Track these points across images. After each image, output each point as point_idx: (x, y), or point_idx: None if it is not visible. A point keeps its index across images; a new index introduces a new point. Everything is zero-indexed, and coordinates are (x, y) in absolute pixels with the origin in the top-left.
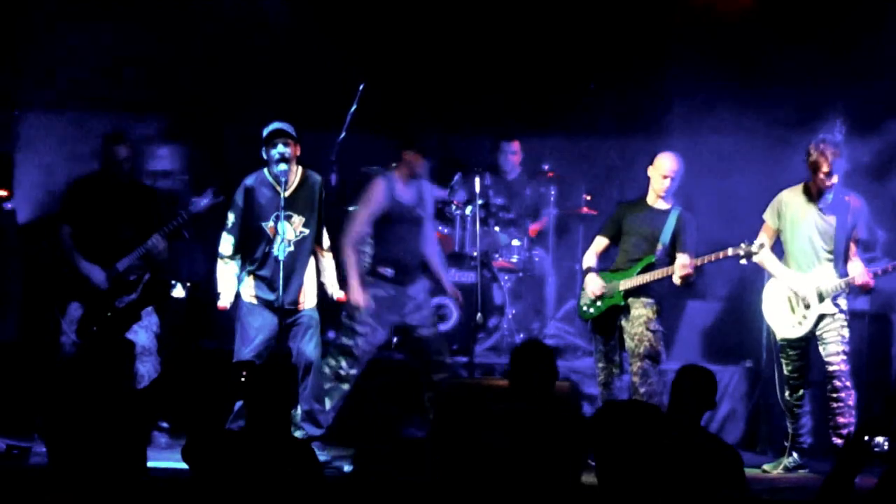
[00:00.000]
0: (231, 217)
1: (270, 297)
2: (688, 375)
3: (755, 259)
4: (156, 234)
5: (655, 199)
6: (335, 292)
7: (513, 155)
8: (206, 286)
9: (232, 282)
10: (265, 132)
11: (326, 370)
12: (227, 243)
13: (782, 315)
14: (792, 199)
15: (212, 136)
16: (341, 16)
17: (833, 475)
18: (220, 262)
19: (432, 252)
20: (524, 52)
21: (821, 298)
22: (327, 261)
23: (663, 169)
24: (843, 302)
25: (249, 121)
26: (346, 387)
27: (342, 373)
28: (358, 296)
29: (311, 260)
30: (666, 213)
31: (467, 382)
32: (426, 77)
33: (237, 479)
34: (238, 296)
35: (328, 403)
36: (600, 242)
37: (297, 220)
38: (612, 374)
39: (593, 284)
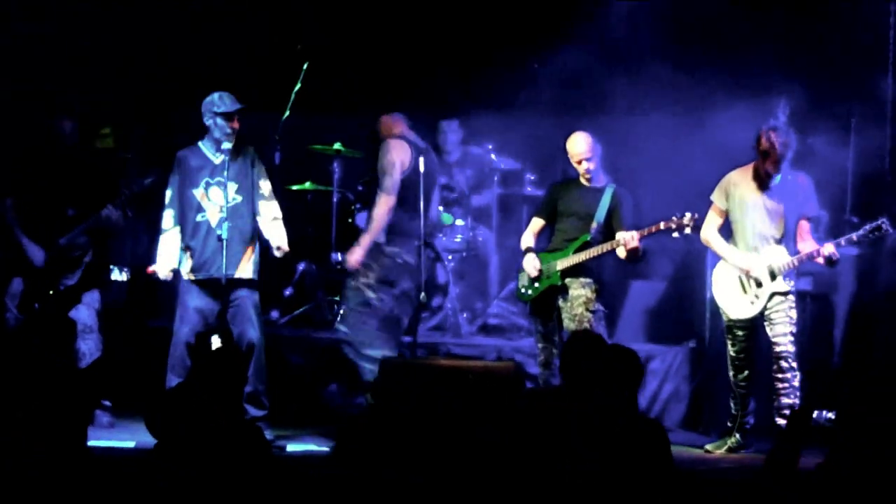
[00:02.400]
0: (168, 192)
1: (206, 269)
2: (614, 357)
3: (702, 239)
4: (109, 205)
5: (588, 179)
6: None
7: (453, 134)
8: (147, 265)
9: (171, 252)
10: (227, 108)
11: None
12: (167, 217)
13: (733, 296)
14: (740, 180)
15: (155, 114)
16: None
17: (777, 449)
18: (161, 237)
19: None
20: (465, 29)
21: (773, 276)
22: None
23: (574, 155)
24: (791, 282)
25: (193, 99)
26: None
27: None
28: None
29: (249, 233)
30: (600, 190)
31: (410, 362)
32: (368, 56)
33: (188, 456)
34: (178, 274)
35: None
36: (536, 223)
37: (232, 186)
38: (552, 355)
39: (530, 264)
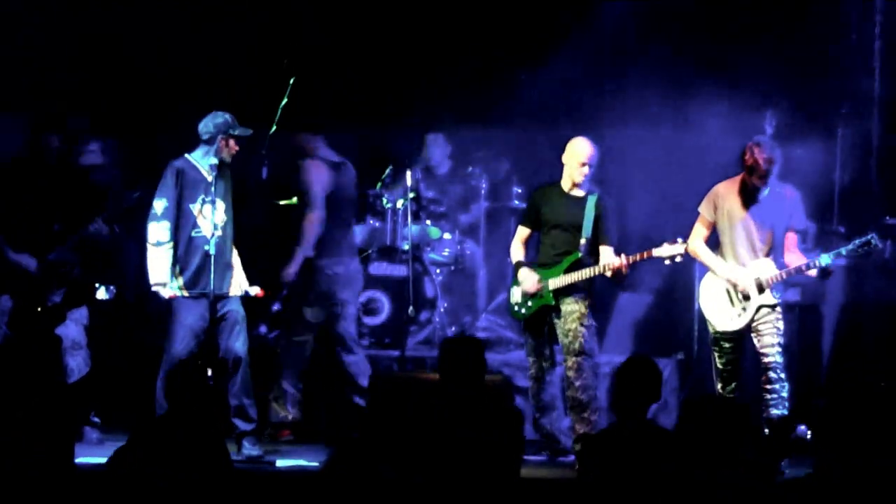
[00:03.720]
0: (164, 202)
1: (201, 286)
2: (634, 367)
3: (689, 251)
4: (98, 219)
5: (572, 187)
6: (249, 288)
7: (439, 148)
8: (136, 281)
9: (168, 267)
10: (241, 131)
11: None
12: (162, 230)
13: (721, 308)
14: (728, 193)
15: (142, 130)
16: (269, 8)
17: (760, 454)
18: (154, 251)
19: None
20: (452, 43)
21: (760, 289)
22: (235, 256)
23: (581, 156)
24: (778, 294)
25: (180, 115)
26: None
27: None
28: None
29: (232, 250)
30: (583, 199)
31: (400, 376)
32: (356, 70)
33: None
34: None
35: None
36: (522, 232)
37: (220, 205)
38: (543, 368)
39: (530, 281)
